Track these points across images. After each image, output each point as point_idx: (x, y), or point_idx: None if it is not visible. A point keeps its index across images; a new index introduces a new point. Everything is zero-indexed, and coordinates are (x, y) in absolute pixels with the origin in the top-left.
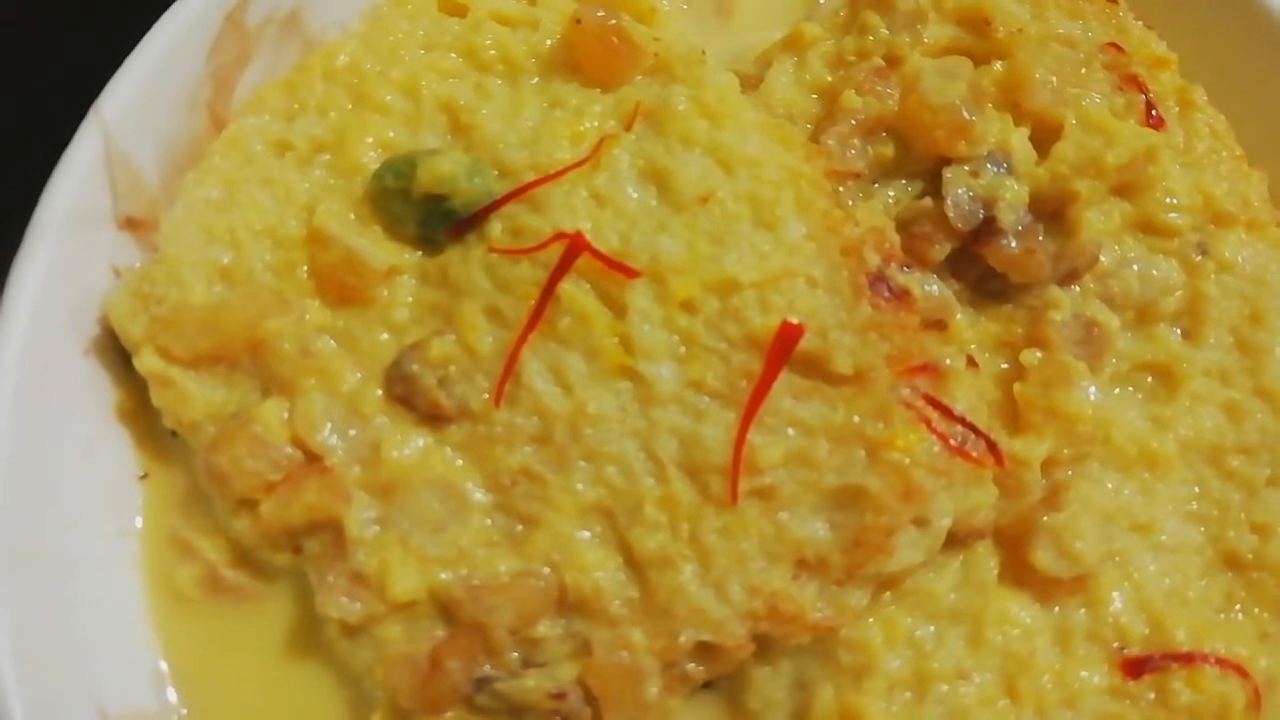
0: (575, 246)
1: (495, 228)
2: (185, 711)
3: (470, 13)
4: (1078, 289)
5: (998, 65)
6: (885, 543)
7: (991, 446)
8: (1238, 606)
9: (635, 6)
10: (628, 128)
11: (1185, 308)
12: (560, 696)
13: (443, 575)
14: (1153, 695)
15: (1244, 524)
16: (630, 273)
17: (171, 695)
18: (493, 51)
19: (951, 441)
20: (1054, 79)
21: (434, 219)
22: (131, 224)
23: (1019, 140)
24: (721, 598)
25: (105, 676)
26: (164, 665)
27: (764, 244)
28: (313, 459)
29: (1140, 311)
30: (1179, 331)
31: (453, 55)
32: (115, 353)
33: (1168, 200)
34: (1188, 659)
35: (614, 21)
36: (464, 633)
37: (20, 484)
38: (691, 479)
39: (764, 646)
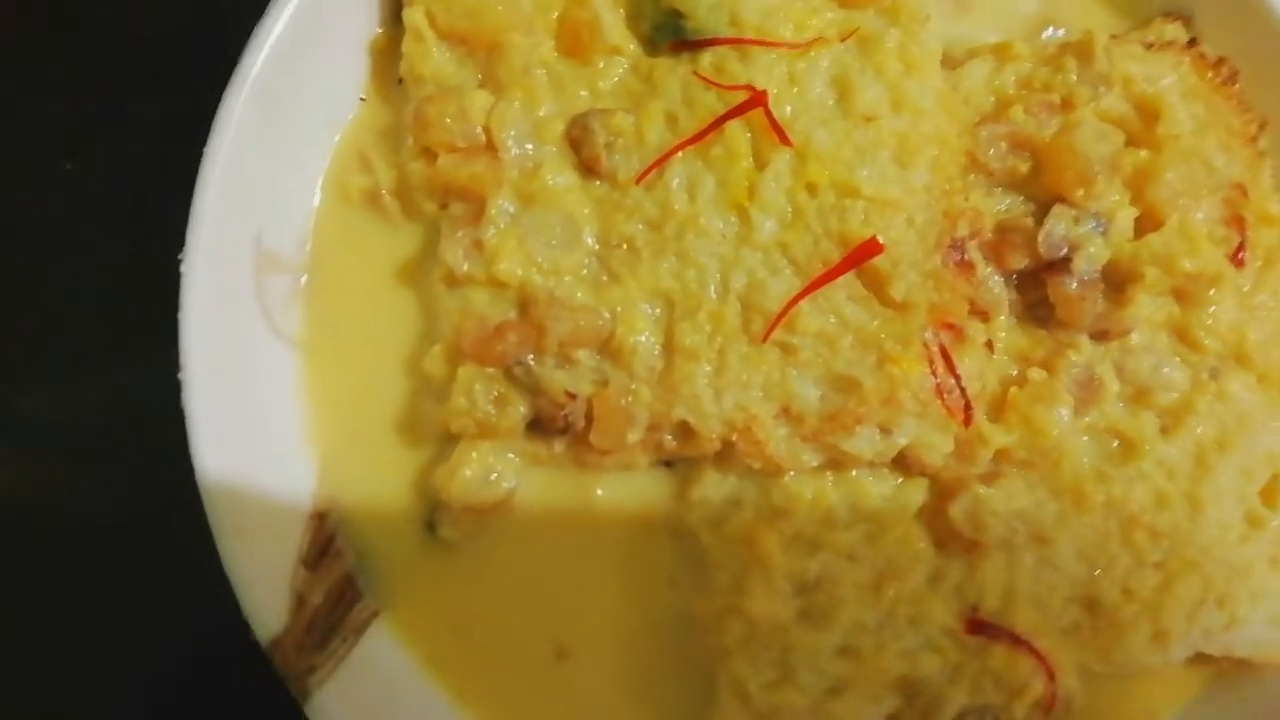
0: (756, 100)
1: (705, 58)
2: (307, 273)
3: None
4: (1102, 348)
5: (1143, 153)
6: (852, 427)
7: (968, 409)
8: (1078, 636)
9: None
10: (842, 39)
11: (1174, 409)
12: (571, 397)
13: (536, 277)
14: (974, 648)
15: (1118, 583)
16: (785, 141)
17: (307, 251)
18: None
19: (942, 387)
20: (1179, 186)
21: (666, 29)
22: None
23: (1125, 215)
24: (717, 400)
25: (269, 216)
26: (311, 230)
27: (891, 175)
28: (491, 147)
29: (1138, 391)
30: (1159, 424)
31: None
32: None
33: (1209, 323)
34: (1015, 640)
35: None
36: (529, 323)
37: (299, 42)
38: (743, 310)
39: (725, 454)
